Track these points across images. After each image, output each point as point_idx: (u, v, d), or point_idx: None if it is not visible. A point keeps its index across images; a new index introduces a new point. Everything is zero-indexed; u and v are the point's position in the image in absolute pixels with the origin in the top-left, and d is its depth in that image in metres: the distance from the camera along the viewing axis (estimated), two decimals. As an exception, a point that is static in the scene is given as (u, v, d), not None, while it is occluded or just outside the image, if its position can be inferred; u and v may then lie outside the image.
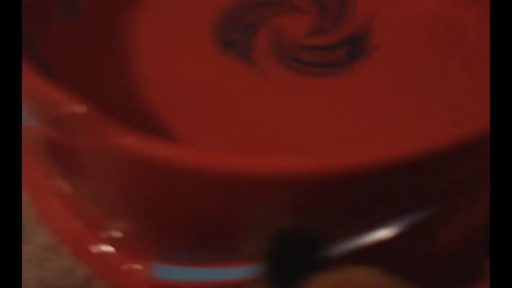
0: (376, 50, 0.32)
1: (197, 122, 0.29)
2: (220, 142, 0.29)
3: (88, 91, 0.26)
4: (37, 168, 0.31)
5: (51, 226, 0.30)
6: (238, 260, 0.22)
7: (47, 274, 0.28)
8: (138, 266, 0.27)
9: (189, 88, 0.31)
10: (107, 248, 0.28)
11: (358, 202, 0.20)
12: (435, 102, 0.30)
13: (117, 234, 0.27)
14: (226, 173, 0.19)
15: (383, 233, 0.21)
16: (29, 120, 0.26)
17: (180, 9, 0.34)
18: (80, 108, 0.21)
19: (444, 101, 0.30)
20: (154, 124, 0.30)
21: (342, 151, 0.20)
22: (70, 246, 0.29)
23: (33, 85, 0.23)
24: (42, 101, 0.23)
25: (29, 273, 0.28)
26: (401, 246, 0.22)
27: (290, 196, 0.19)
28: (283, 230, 0.18)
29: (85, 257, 0.28)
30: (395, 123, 0.29)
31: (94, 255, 0.28)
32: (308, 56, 0.32)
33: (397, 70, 0.31)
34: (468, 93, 0.30)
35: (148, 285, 0.26)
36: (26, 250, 0.29)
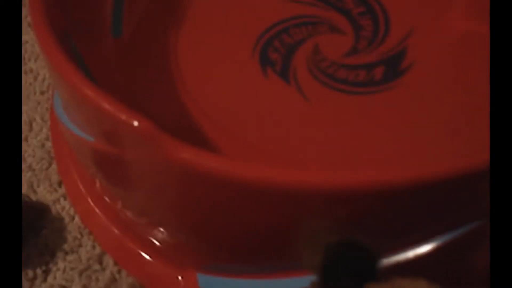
0: (411, 69, 0.33)
1: (240, 138, 0.30)
2: (262, 157, 0.30)
3: (135, 107, 0.27)
4: (81, 178, 0.32)
5: (95, 236, 0.31)
6: (288, 272, 0.23)
7: (91, 283, 0.29)
8: (182, 277, 0.28)
9: (231, 105, 0.32)
10: (151, 258, 0.29)
11: (404, 217, 0.21)
12: (471, 121, 0.31)
13: (162, 244, 0.28)
14: (280, 187, 0.19)
15: (427, 248, 0.22)
16: (76, 131, 0.27)
17: (222, 28, 0.35)
18: (136, 122, 0.22)
19: (479, 120, 0.30)
20: (200, 139, 0.31)
21: (388, 169, 0.21)
22: (114, 256, 0.30)
23: (87, 97, 0.24)
24: (99, 115, 0.24)
25: (73, 283, 0.29)
26: (444, 260, 0.23)
27: (341, 211, 0.20)
28: (335, 243, 0.19)
29: (129, 267, 0.29)
30: (432, 140, 0.30)
31: (138, 265, 0.29)
32: (345, 75, 0.33)
33: (433, 88, 0.32)
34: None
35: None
36: (70, 260, 0.30)
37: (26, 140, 0.35)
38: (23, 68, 0.38)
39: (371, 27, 0.34)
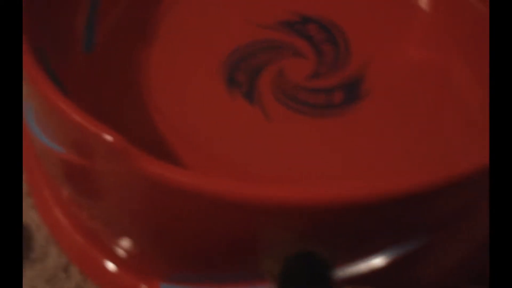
0: (369, 94, 0.35)
1: (205, 152, 0.32)
2: (225, 171, 0.31)
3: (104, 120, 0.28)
4: (49, 188, 0.33)
5: (61, 245, 0.32)
6: (250, 281, 0.24)
7: (56, 291, 0.30)
8: (145, 286, 0.29)
9: (197, 122, 0.33)
10: (116, 268, 0.30)
11: (357, 231, 0.23)
12: (426, 143, 0.33)
13: (126, 254, 0.29)
14: (240, 200, 0.21)
15: (379, 260, 0.24)
16: (47, 142, 0.28)
17: (191, 46, 0.37)
18: (108, 137, 0.23)
19: (434, 142, 0.33)
20: (165, 153, 0.32)
21: (340, 185, 0.23)
22: (79, 266, 0.31)
23: (62, 111, 0.25)
24: (70, 127, 0.25)
25: (38, 290, 0.30)
26: (395, 271, 0.25)
27: (297, 224, 0.22)
28: (293, 254, 0.20)
29: (93, 276, 0.30)
30: (388, 161, 0.32)
31: (102, 274, 0.30)
32: (306, 98, 0.34)
33: (390, 112, 0.34)
34: (457, 136, 0.33)
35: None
36: (37, 269, 0.31)
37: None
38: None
39: (332, 53, 0.36)
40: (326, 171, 0.31)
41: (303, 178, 0.31)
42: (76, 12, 0.36)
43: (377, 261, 0.24)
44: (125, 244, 0.29)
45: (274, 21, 0.37)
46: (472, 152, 0.31)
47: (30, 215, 0.33)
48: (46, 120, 0.28)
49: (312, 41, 0.37)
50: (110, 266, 0.30)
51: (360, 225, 0.22)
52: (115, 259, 0.30)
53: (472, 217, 0.26)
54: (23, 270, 0.31)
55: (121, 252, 0.29)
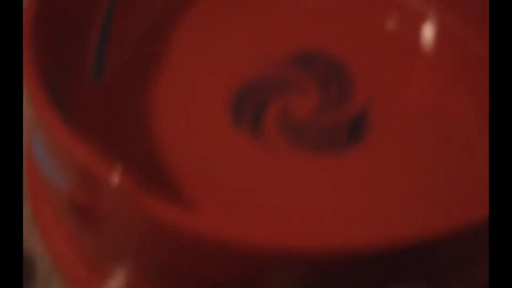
0: (373, 132, 0.35)
1: (206, 188, 0.33)
2: (228, 213, 0.32)
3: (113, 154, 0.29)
4: (53, 217, 0.33)
5: (64, 276, 0.32)
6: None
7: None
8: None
9: (200, 157, 0.34)
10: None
11: (357, 279, 0.23)
12: (427, 186, 0.33)
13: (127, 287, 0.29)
14: (249, 250, 0.21)
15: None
16: (51, 174, 0.29)
17: (199, 80, 0.37)
18: (115, 178, 0.24)
19: (437, 186, 0.33)
20: (168, 186, 0.32)
21: (339, 233, 0.23)
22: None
23: (67, 147, 0.25)
24: (77, 166, 0.25)
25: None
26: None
27: (298, 269, 0.22)
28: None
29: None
30: (388, 203, 0.32)
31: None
32: (311, 135, 0.35)
33: (392, 153, 0.34)
34: (463, 178, 0.33)
35: None
36: (38, 298, 0.31)
37: None
38: None
39: (337, 90, 0.37)
40: (326, 211, 0.32)
41: (305, 218, 0.31)
42: (87, 41, 0.37)
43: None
44: (128, 278, 0.29)
45: (280, 56, 0.38)
46: (474, 199, 0.32)
47: (33, 244, 0.33)
48: (50, 152, 0.28)
49: (318, 77, 0.37)
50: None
51: (358, 274, 0.23)
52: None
53: (472, 261, 0.26)
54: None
55: (124, 286, 0.30)
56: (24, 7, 0.30)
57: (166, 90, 0.37)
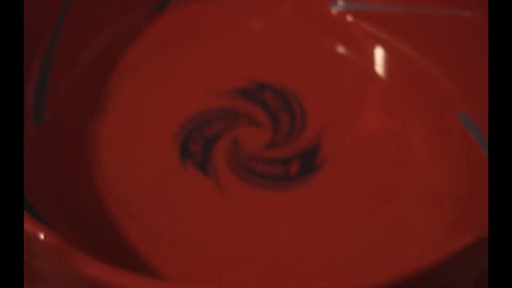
0: (326, 164, 0.34)
1: (151, 230, 0.31)
2: (173, 250, 0.30)
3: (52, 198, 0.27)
4: None
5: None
6: None
7: None
8: None
9: (146, 196, 0.32)
10: None
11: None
12: (383, 217, 0.32)
13: None
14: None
15: None
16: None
17: (143, 116, 0.36)
18: (42, 235, 0.22)
19: (392, 219, 0.32)
20: (112, 228, 0.31)
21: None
22: None
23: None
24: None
25: None
26: None
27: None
28: None
29: None
30: (343, 237, 0.31)
31: None
32: (262, 169, 0.34)
33: (347, 184, 0.33)
34: (417, 209, 0.33)
35: None
36: None
37: None
38: None
39: (288, 121, 0.36)
40: (281, 249, 0.31)
41: (257, 258, 0.30)
42: (25, 80, 0.35)
43: None
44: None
45: (228, 88, 0.37)
46: (430, 232, 0.31)
47: None
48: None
49: (268, 109, 0.36)
50: None
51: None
52: None
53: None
54: None
55: None
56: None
57: (109, 128, 0.35)
